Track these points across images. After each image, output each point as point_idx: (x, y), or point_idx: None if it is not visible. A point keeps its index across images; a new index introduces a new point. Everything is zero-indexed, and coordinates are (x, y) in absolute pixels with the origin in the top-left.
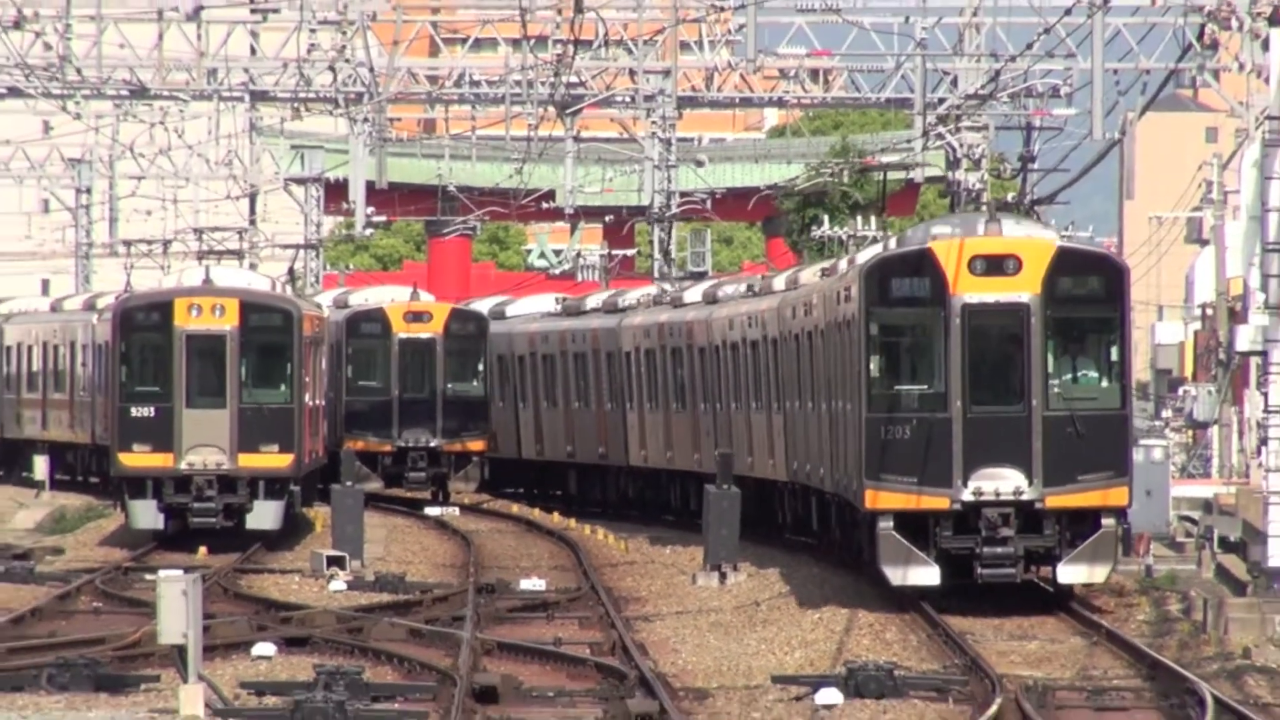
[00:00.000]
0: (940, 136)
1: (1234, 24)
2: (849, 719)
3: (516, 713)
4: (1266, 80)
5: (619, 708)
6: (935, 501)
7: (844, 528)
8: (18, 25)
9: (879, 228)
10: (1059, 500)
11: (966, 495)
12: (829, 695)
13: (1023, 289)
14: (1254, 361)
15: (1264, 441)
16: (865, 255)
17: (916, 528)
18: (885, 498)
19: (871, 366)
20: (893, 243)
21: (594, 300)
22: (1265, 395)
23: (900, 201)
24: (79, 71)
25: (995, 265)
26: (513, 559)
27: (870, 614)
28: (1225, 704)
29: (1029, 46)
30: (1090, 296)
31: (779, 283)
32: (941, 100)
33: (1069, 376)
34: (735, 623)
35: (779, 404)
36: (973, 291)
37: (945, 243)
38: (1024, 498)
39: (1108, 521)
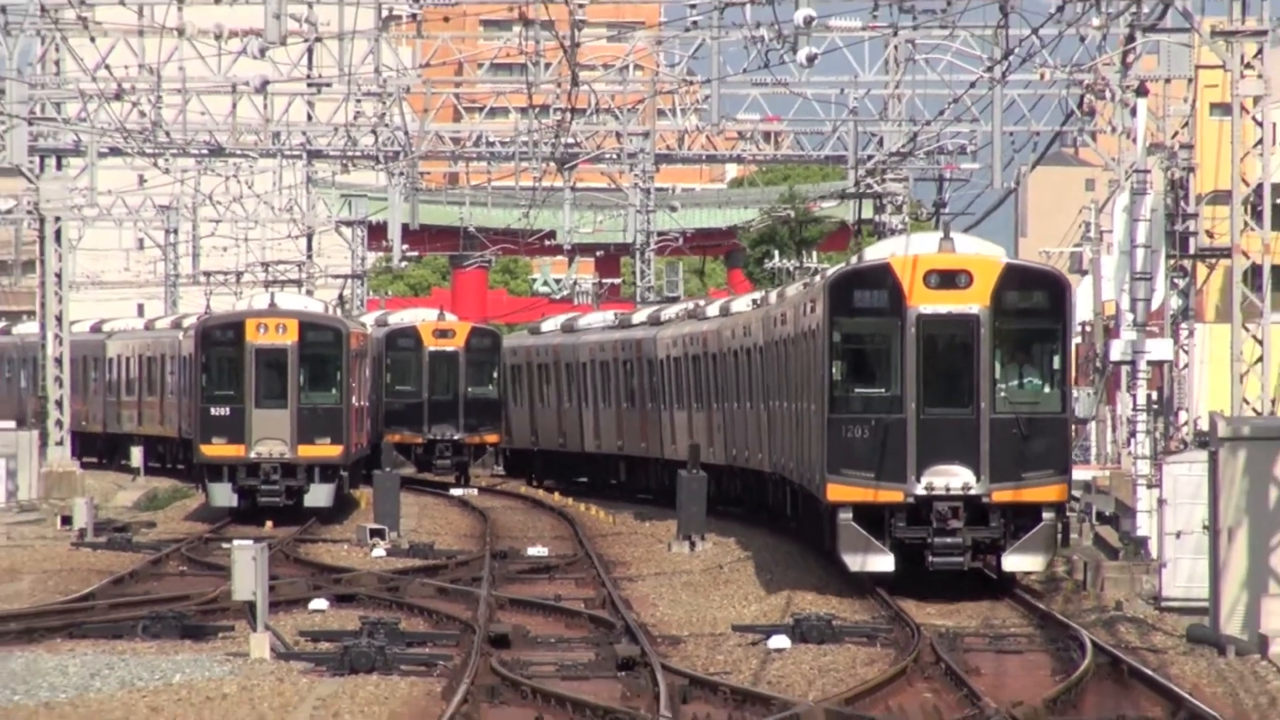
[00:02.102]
0: (869, 186)
1: (1108, 95)
2: (795, 660)
3: (525, 656)
4: (1134, 140)
5: (608, 651)
6: (891, 495)
7: (810, 516)
8: (118, 97)
9: (819, 261)
10: (1004, 495)
11: (919, 490)
12: (779, 641)
13: (973, 301)
14: (1124, 369)
15: (1132, 434)
16: (792, 288)
17: (873, 519)
18: (845, 491)
19: (834, 371)
20: (854, 259)
21: (640, 315)
22: (1134, 396)
23: (836, 240)
24: (168, 134)
25: (948, 279)
26: (521, 531)
27: (813, 576)
28: (1100, 647)
29: (941, 113)
30: (1034, 309)
31: (739, 305)
32: (870, 157)
33: (1014, 382)
34: (703, 582)
35: (764, 404)
36: (927, 303)
37: (903, 258)
38: (972, 493)
39: (1048, 515)
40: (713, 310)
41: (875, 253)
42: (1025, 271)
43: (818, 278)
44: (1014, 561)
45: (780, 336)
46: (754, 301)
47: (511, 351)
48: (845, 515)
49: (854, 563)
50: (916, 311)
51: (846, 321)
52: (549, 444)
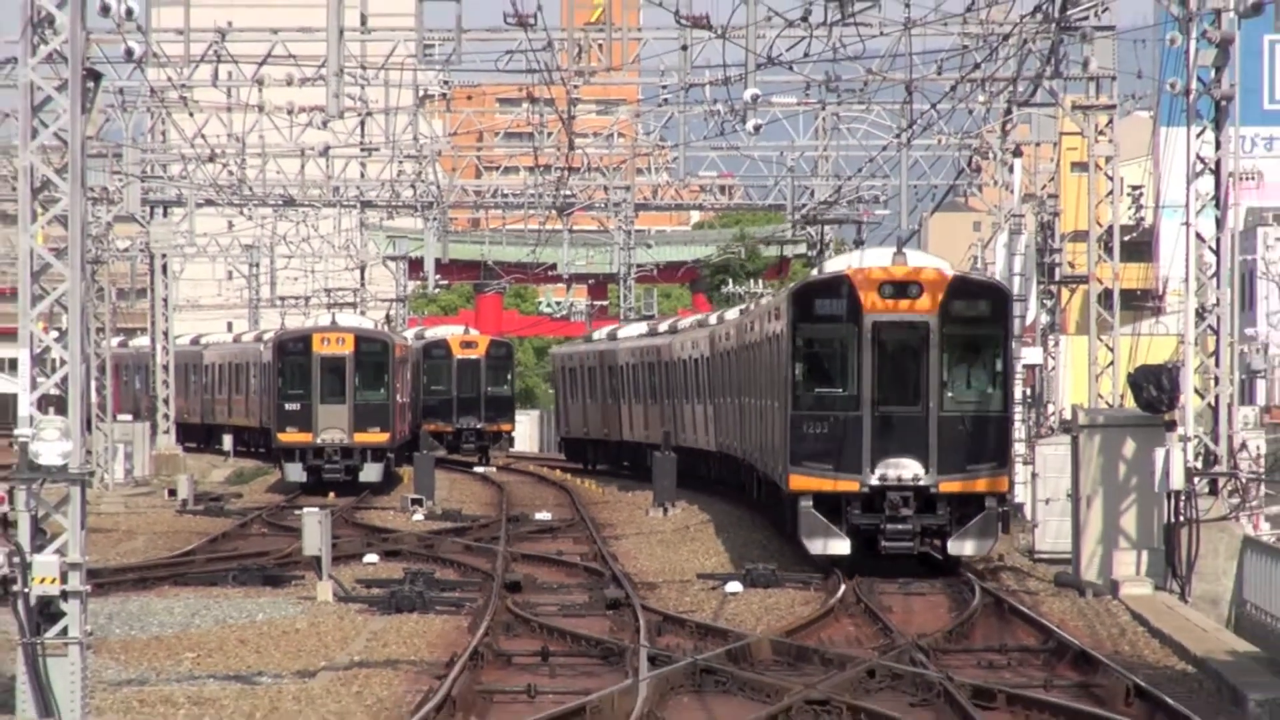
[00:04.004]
0: (804, 228)
1: (991, 156)
2: (745, 601)
3: (533, 599)
4: (1011, 191)
5: (598, 594)
6: (847, 485)
7: (771, 496)
8: (211, 159)
9: (763, 286)
10: (950, 486)
11: (873, 480)
12: (734, 586)
13: (923, 310)
14: None
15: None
16: (731, 312)
17: (831, 507)
18: (805, 481)
19: (796, 372)
20: (814, 271)
21: (665, 325)
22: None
23: (776, 272)
24: (250, 189)
25: (900, 289)
26: (530, 500)
27: (761, 535)
28: (987, 590)
29: (859, 170)
30: (979, 317)
31: (732, 314)
32: (803, 205)
33: (961, 383)
34: (673, 540)
35: (737, 400)
36: (881, 311)
37: (859, 270)
38: (921, 483)
39: (991, 504)
40: (712, 319)
41: (834, 265)
42: (971, 283)
43: (782, 292)
44: (959, 546)
45: (749, 341)
46: (740, 311)
47: (567, 356)
48: (806, 503)
49: (813, 546)
50: (872, 318)
51: (808, 327)
52: (596, 434)
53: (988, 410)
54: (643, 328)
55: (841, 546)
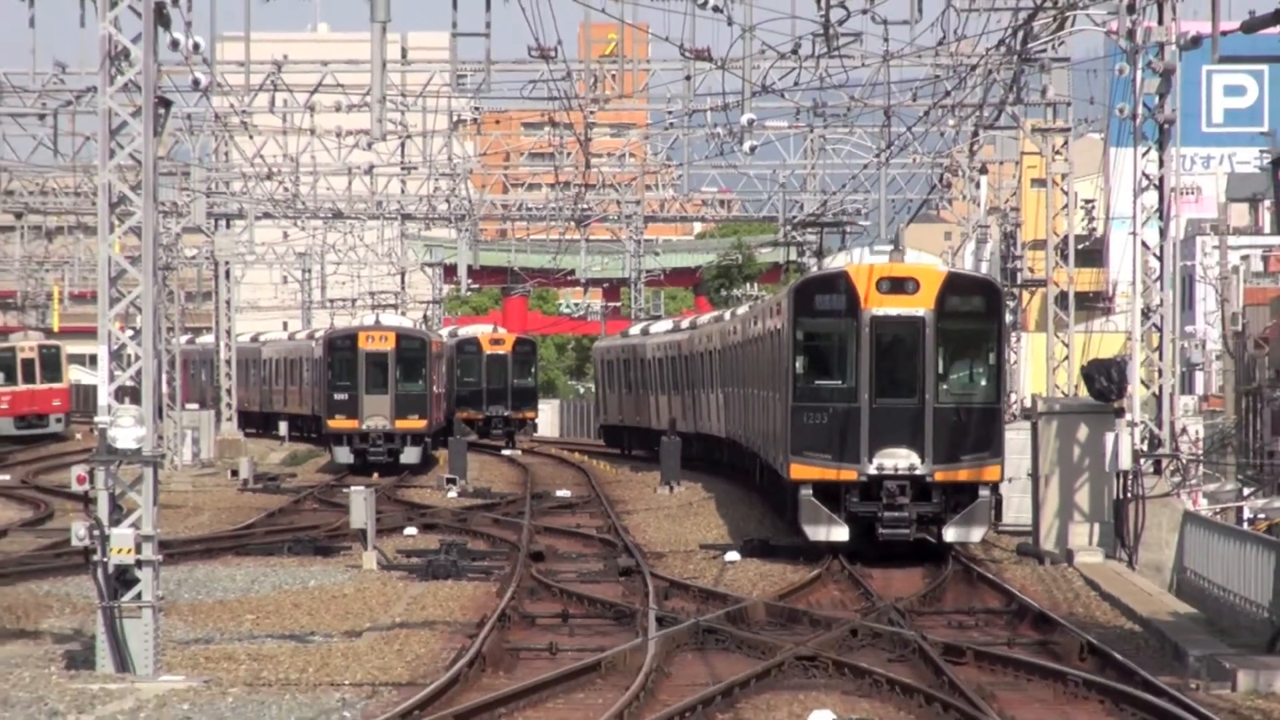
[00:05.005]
0: (800, 233)
1: (960, 173)
2: (743, 569)
3: (554, 567)
4: (978, 205)
5: (612, 562)
6: (846, 474)
7: (772, 480)
8: (269, 177)
9: (759, 290)
10: (945, 475)
11: (871, 470)
12: (732, 555)
13: (919, 305)
14: None
15: None
16: (742, 308)
17: (830, 495)
18: (806, 470)
19: (797, 365)
20: (814, 268)
21: (686, 321)
22: None
23: (770, 276)
24: (303, 203)
25: (898, 286)
26: (551, 479)
27: (756, 511)
28: (957, 558)
29: (843, 186)
30: (973, 312)
31: (744, 309)
32: (794, 217)
33: (955, 376)
34: (679, 514)
35: (740, 390)
36: (879, 306)
37: (858, 267)
38: (917, 473)
39: (984, 493)
40: (727, 315)
41: (833, 263)
42: (965, 279)
43: (784, 288)
44: (953, 533)
45: (755, 335)
46: (749, 307)
47: (606, 350)
48: (806, 492)
49: (813, 533)
50: (870, 313)
51: (808, 322)
52: (630, 422)
53: (981, 402)
54: (670, 324)
55: (841, 533)
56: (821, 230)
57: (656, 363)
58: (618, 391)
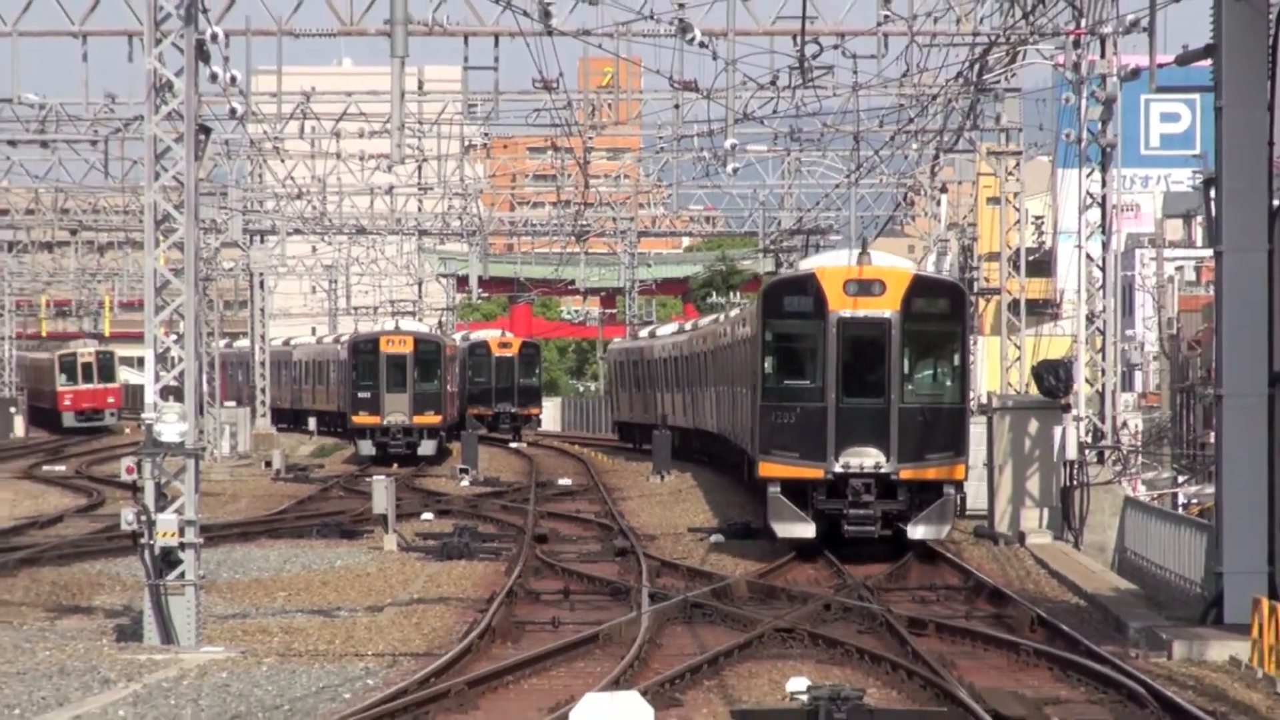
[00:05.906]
0: (773, 251)
1: (922, 192)
2: (727, 550)
3: (557, 548)
4: (939, 220)
5: (609, 544)
6: (813, 472)
7: (754, 479)
8: (299, 196)
9: (741, 298)
10: (910, 474)
11: (838, 468)
12: (718, 538)
13: (886, 307)
14: None
15: None
16: (733, 311)
17: (798, 492)
18: (774, 468)
19: (766, 365)
20: (785, 271)
21: (689, 324)
22: None
23: (751, 286)
24: (330, 220)
25: (864, 288)
26: (554, 469)
27: (739, 498)
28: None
29: (817, 204)
30: (939, 314)
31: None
32: (772, 232)
33: (921, 376)
34: (669, 500)
35: (729, 389)
36: (846, 308)
37: (826, 269)
38: (883, 471)
39: (948, 491)
40: (720, 318)
41: (803, 265)
42: (931, 282)
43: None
44: (918, 530)
45: (737, 337)
46: (737, 310)
47: (618, 352)
48: (774, 489)
49: (781, 530)
50: (837, 315)
51: (777, 323)
52: (640, 419)
53: (946, 402)
54: (674, 326)
55: (807, 530)
56: (807, 238)
57: (661, 363)
58: (628, 390)
